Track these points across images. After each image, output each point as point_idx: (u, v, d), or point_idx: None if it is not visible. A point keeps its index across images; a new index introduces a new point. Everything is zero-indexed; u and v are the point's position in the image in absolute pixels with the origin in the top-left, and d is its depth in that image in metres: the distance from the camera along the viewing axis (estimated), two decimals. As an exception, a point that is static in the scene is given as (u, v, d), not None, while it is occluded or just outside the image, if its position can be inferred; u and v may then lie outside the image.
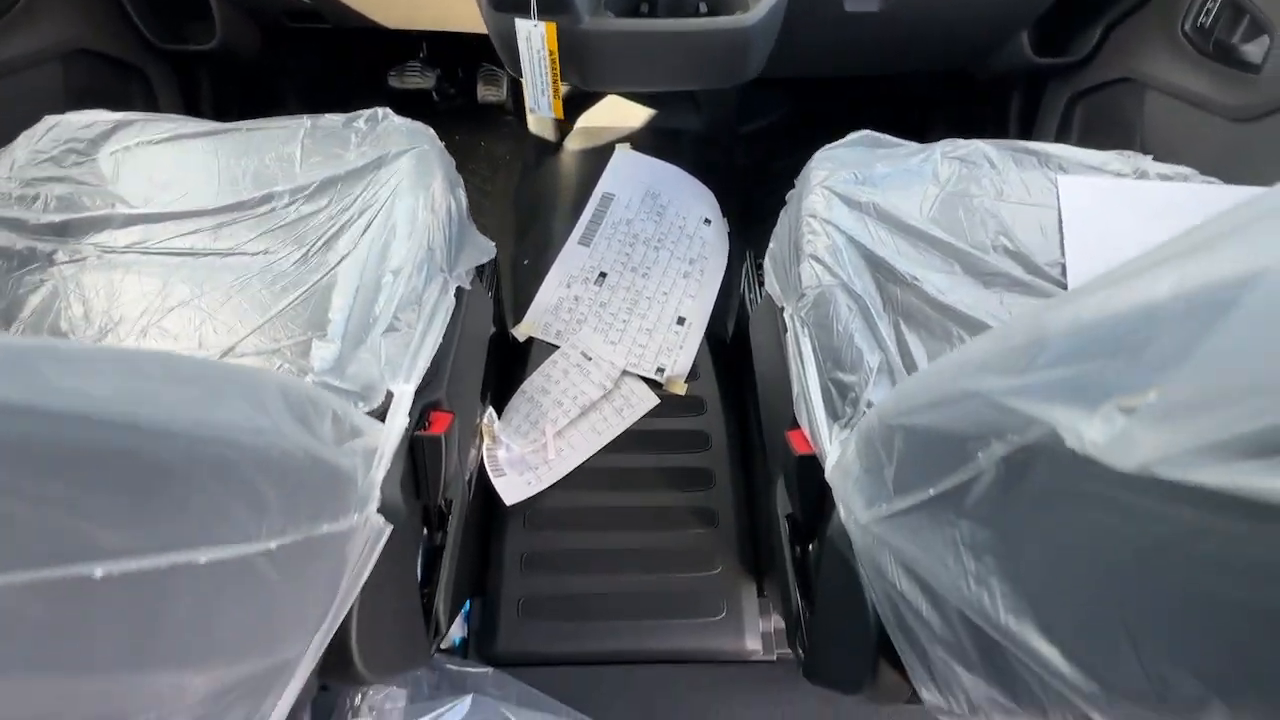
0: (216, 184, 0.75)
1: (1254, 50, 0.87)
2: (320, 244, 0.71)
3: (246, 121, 0.80)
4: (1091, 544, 0.26)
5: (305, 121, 0.79)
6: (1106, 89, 1.13)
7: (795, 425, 0.66)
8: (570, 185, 1.30)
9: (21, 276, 0.69)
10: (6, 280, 0.68)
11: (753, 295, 0.97)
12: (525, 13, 0.83)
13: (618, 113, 1.35)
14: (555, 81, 0.90)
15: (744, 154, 1.43)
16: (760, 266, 0.98)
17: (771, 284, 0.79)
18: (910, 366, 0.64)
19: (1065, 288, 0.71)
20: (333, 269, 0.69)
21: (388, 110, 0.80)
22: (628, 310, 1.11)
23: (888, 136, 0.82)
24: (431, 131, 0.79)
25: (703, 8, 0.94)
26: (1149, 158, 0.81)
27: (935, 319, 0.67)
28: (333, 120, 0.79)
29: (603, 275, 1.15)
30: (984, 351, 0.32)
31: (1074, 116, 1.20)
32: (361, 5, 1.13)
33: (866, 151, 0.80)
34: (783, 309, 0.74)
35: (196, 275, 0.69)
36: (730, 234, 1.27)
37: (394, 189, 0.72)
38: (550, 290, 1.14)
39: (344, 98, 0.97)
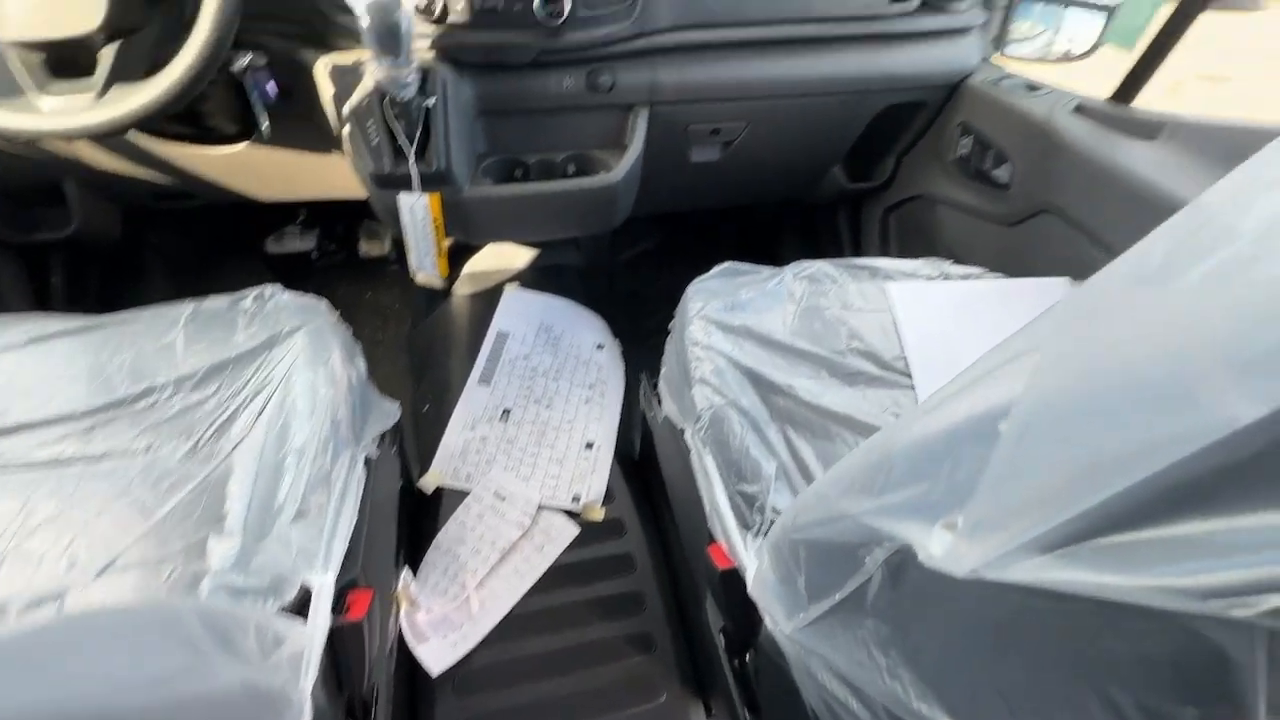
0: (86, 384, 0.71)
1: (1002, 173, 1.12)
2: (211, 432, 0.68)
3: (119, 314, 0.78)
4: (963, 627, 0.31)
5: (186, 307, 0.78)
6: (908, 204, 1.38)
7: (713, 540, 0.70)
8: (463, 328, 1.34)
9: None
10: None
11: (653, 413, 1.03)
12: (409, 187, 0.90)
13: (503, 256, 1.43)
14: (439, 245, 0.96)
15: (624, 281, 1.56)
16: (656, 385, 1.05)
17: (670, 407, 0.85)
18: (802, 467, 0.71)
19: (910, 376, 0.83)
20: (227, 457, 0.66)
21: (276, 286, 0.81)
22: (536, 443, 1.13)
23: (747, 264, 0.95)
24: (324, 304, 0.81)
25: (571, 168, 1.07)
26: (949, 262, 0.99)
27: (815, 421, 0.76)
28: (216, 303, 0.79)
29: (506, 412, 1.17)
30: (850, 470, 0.38)
31: (889, 227, 1.45)
32: (236, 183, 1.15)
33: (731, 280, 0.92)
34: (683, 430, 0.80)
35: (64, 487, 0.64)
36: (622, 354, 1.36)
37: (290, 366, 0.72)
38: (455, 434, 1.14)
39: (215, 269, 0.96)
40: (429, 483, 1.07)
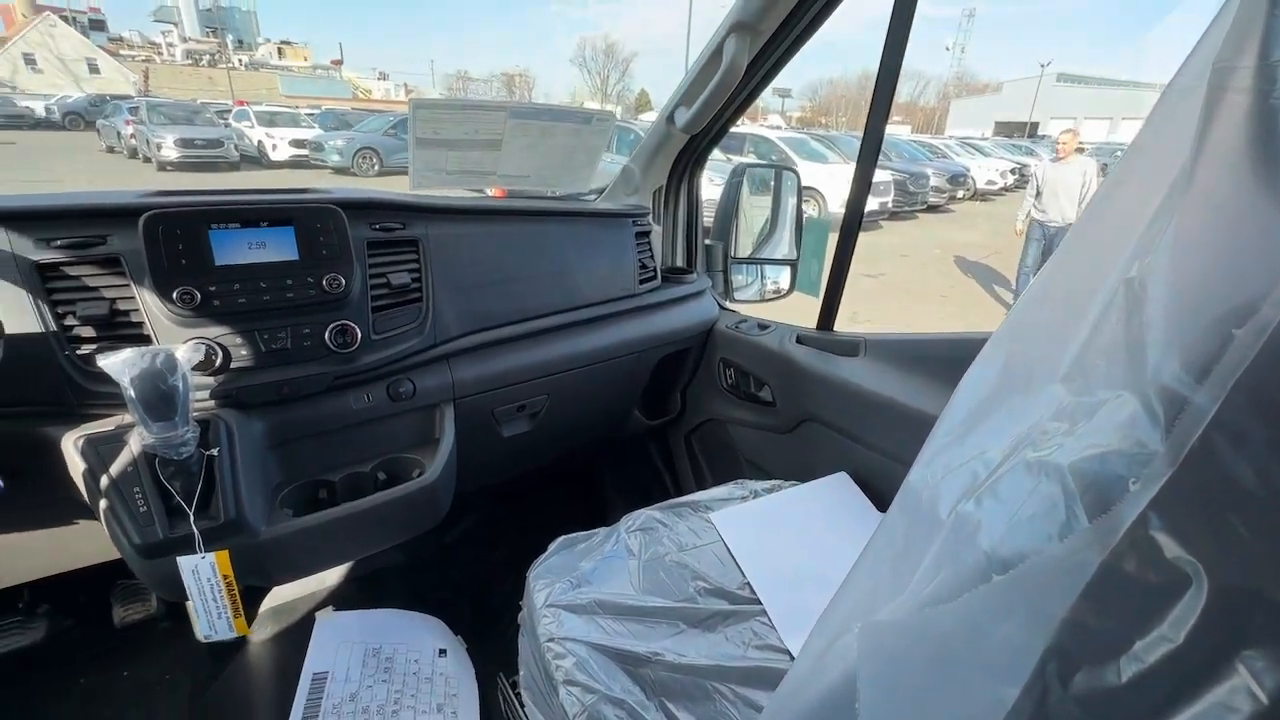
0: None
1: (766, 394, 1.35)
2: None
3: None
4: None
5: None
6: (703, 427, 1.56)
7: None
8: (265, 683, 1.10)
9: None
10: None
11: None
12: (188, 549, 0.79)
13: (308, 580, 1.27)
14: (234, 604, 0.83)
15: (456, 567, 1.46)
16: (515, 684, 0.94)
17: (537, 717, 0.77)
18: (693, 744, 0.67)
19: (760, 601, 0.87)
20: None
21: None
22: (382, 813, 0.91)
23: (580, 533, 0.96)
24: None
25: (382, 476, 1.04)
26: (751, 481, 1.12)
27: (690, 683, 0.74)
28: None
29: (337, 782, 0.94)
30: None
31: (694, 448, 1.61)
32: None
33: (569, 552, 0.92)
34: (559, 744, 0.72)
35: None
36: (470, 651, 1.22)
37: None
38: (267, 843, 0.87)
39: None
40: None
